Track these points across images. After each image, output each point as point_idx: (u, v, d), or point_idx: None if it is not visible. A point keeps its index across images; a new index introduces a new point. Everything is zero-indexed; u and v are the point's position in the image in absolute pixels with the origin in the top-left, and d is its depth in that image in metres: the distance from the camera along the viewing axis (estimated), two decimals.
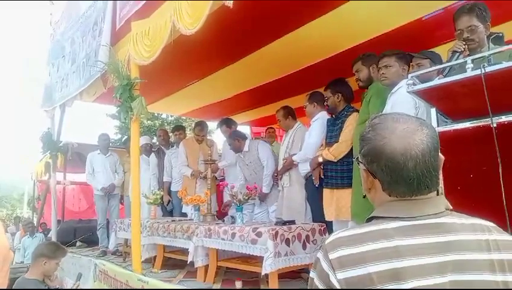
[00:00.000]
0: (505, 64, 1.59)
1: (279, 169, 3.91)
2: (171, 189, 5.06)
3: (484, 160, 1.72)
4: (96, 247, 5.27)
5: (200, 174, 4.46)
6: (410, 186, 0.83)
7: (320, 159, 3.17)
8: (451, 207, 0.87)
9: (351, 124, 3.01)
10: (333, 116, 3.35)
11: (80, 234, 5.86)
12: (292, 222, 2.94)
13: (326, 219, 3.10)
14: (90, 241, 5.64)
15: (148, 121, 15.28)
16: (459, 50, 1.95)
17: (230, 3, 2.53)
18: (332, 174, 3.09)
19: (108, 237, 5.00)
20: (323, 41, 3.81)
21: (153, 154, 5.39)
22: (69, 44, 5.13)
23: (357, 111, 3.11)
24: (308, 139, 3.57)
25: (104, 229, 5.16)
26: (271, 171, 4.04)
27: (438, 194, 0.90)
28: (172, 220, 3.84)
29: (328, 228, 3.05)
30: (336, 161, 3.04)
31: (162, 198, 4.58)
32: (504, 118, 1.72)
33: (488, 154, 1.69)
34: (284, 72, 4.68)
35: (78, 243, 5.73)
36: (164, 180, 5.13)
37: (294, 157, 3.62)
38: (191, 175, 4.62)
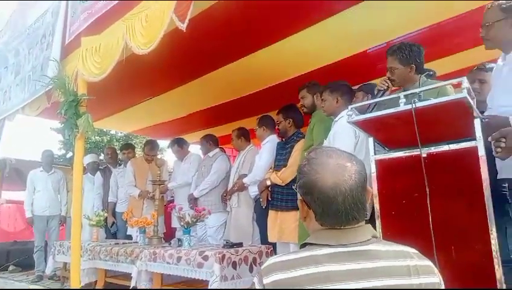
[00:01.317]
0: (433, 101, 1.75)
1: (228, 189, 3.94)
2: (116, 210, 4.87)
3: (416, 187, 1.85)
4: (31, 271, 4.91)
5: (148, 195, 4.35)
6: (339, 219, 0.90)
7: (268, 182, 3.24)
8: (377, 235, 0.95)
9: (298, 149, 3.12)
10: (283, 140, 3.45)
11: (14, 257, 5.44)
12: (240, 245, 2.95)
13: (269, 240, 3.16)
14: (26, 265, 5.26)
15: (96, 137, 14.71)
16: (382, 88, 2.16)
17: (183, 27, 2.57)
18: (278, 196, 3.17)
19: (45, 261, 4.68)
20: (275, 67, 3.94)
21: (98, 173, 5.18)
22: (13, 55, 4.87)
23: None
24: (258, 162, 3.64)
25: (42, 252, 4.84)
26: (211, 182, 4.05)
27: (366, 222, 0.98)
28: (116, 243, 3.69)
29: (275, 249, 3.10)
30: (283, 184, 3.12)
31: (105, 220, 4.38)
32: (433, 149, 1.88)
33: (419, 182, 1.83)
34: (237, 94, 4.75)
35: (11, 267, 5.31)
36: (109, 200, 4.93)
37: (244, 180, 3.67)
38: (138, 196, 4.50)
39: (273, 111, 3.81)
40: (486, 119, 1.81)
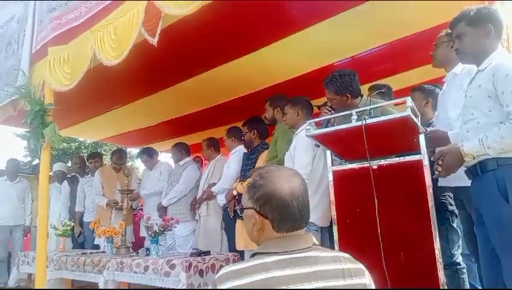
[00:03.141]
0: (381, 118, 1.92)
1: (197, 198, 4.00)
2: (84, 220, 4.80)
3: (368, 196, 2.00)
4: None
5: (115, 205, 4.34)
6: (295, 221, 1.04)
7: (235, 192, 3.33)
8: (317, 243, 1.07)
9: (262, 160, 3.24)
10: (249, 150, 3.56)
11: None
12: (207, 253, 3.01)
13: (237, 248, 3.24)
14: None
15: (64, 144, 14.33)
16: (327, 115, 2.35)
17: (154, 42, 2.64)
18: None
19: (9, 272, 4.56)
20: (245, 79, 4.04)
21: (65, 182, 5.10)
22: None
23: None
24: (226, 171, 3.73)
25: (4, 263, 4.72)
26: (179, 191, 4.09)
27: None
28: (83, 253, 3.66)
29: (242, 257, 3.18)
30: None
31: (72, 229, 4.33)
32: (383, 162, 2.04)
33: (371, 192, 1.98)
34: (208, 104, 4.82)
35: None
36: (76, 210, 4.86)
37: (213, 189, 3.75)
38: (106, 205, 4.47)
39: (241, 121, 3.91)
40: (429, 134, 1.99)
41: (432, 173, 1.86)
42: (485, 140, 1.61)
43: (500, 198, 1.58)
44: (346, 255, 1.06)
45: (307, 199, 1.06)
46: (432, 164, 1.84)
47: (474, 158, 1.67)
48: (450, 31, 2.12)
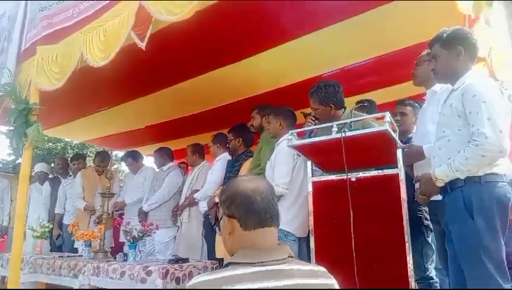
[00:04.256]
0: (360, 131, 1.95)
1: (180, 204, 3.97)
2: (64, 222, 4.71)
3: (345, 208, 2.02)
4: None
5: (91, 212, 4.25)
6: (260, 216, 1.06)
7: (217, 199, 3.31)
8: (293, 254, 1.08)
9: (246, 168, 3.25)
10: (233, 157, 3.57)
11: None
12: (185, 260, 2.98)
13: (216, 256, 3.22)
14: None
15: (50, 144, 14.14)
16: (310, 126, 2.38)
17: (143, 46, 2.65)
18: None
19: None
20: (231, 86, 4.06)
21: (47, 182, 5.02)
22: None
23: None
24: (209, 178, 3.72)
25: None
26: (161, 197, 4.06)
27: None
28: (60, 256, 3.60)
29: (221, 265, 3.16)
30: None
31: (51, 231, 4.25)
32: (361, 174, 2.07)
33: (349, 203, 2.01)
34: (194, 110, 4.84)
35: None
36: (56, 211, 4.77)
37: (195, 195, 3.73)
38: (84, 209, 4.41)
39: (227, 128, 3.92)
40: (405, 149, 2.03)
41: (407, 187, 1.91)
42: (452, 164, 1.67)
43: (466, 214, 1.63)
44: (322, 269, 1.08)
45: (272, 197, 1.11)
46: (408, 180, 1.88)
47: (445, 182, 1.71)
48: (430, 51, 2.19)
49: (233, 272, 0.98)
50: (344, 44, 3.35)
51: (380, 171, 2.03)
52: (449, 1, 2.24)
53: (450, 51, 1.85)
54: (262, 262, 1.00)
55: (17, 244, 3.22)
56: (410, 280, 1.85)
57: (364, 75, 3.85)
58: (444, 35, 1.88)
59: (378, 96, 3.72)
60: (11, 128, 3.51)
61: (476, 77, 1.80)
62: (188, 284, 1.01)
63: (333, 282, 1.06)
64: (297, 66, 3.73)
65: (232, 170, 3.41)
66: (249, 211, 1.06)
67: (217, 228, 3.32)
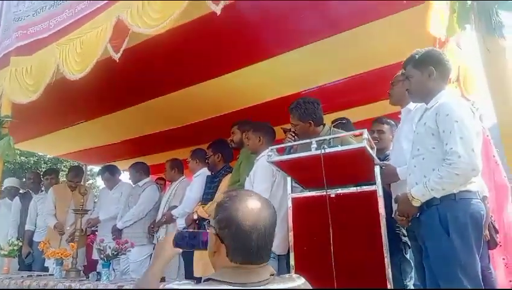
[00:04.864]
0: (339, 148, 1.98)
1: (157, 220, 3.88)
2: (34, 239, 4.50)
3: (325, 225, 2.02)
4: None
5: (60, 232, 4.09)
6: (250, 256, 0.99)
7: (195, 216, 3.27)
8: (275, 272, 1.05)
9: (225, 184, 3.22)
10: (212, 173, 3.54)
11: None
12: (162, 279, 2.90)
13: (194, 275, 3.15)
14: None
15: (22, 158, 13.67)
16: (290, 142, 2.39)
17: (117, 57, 2.62)
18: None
19: None
20: (210, 102, 4.06)
21: (17, 198, 4.82)
22: None
23: None
24: (188, 194, 3.66)
25: None
26: (136, 213, 3.94)
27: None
28: (29, 276, 3.43)
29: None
30: (210, 218, 3.17)
31: (20, 249, 4.06)
32: (340, 190, 2.08)
33: (328, 220, 2.01)
34: (172, 124, 4.79)
35: None
36: (26, 228, 4.56)
37: (173, 212, 3.66)
38: (53, 227, 4.24)
39: (207, 143, 3.89)
40: (383, 167, 2.06)
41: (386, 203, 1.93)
42: (428, 183, 1.71)
43: (442, 231, 1.66)
44: (301, 281, 1.05)
45: (270, 235, 1.01)
46: (385, 196, 1.91)
47: (421, 202, 1.74)
48: (403, 72, 2.26)
49: (211, 287, 0.96)
50: (322, 62, 3.42)
51: (358, 187, 2.05)
52: (421, 23, 2.33)
53: (422, 71, 1.91)
54: (244, 283, 0.97)
55: None
56: None
57: (341, 93, 3.93)
58: (416, 56, 1.95)
59: (354, 114, 3.80)
60: None
61: (449, 97, 1.86)
62: (163, 286, 0.98)
63: None
64: (276, 83, 3.77)
65: (211, 185, 3.37)
66: (240, 245, 0.99)
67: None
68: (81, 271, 3.49)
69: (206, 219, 3.14)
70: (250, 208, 1.01)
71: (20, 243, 4.03)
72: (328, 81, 3.82)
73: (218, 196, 3.17)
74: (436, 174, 1.69)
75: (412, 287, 2.39)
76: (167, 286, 1.01)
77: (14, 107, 3.36)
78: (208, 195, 3.34)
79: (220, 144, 3.53)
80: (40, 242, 4.05)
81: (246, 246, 0.98)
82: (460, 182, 1.67)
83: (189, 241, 1.29)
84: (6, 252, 3.76)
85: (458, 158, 1.63)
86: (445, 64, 1.92)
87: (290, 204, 2.20)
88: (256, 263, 1.00)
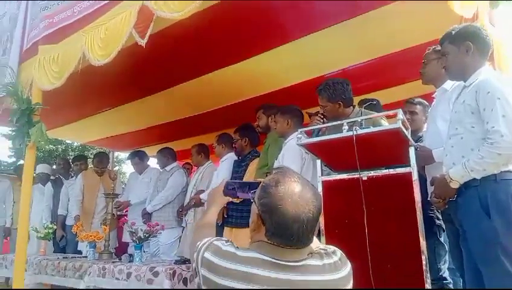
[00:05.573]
0: (372, 129, 1.92)
1: (185, 204, 3.94)
2: (66, 223, 4.68)
3: (357, 207, 1.99)
4: None
5: (81, 224, 4.15)
6: (289, 241, 0.98)
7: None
8: (313, 251, 1.04)
9: (253, 168, 3.22)
10: (239, 158, 3.54)
11: None
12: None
13: None
14: None
15: (51, 146, 14.11)
16: (318, 124, 2.34)
17: (143, 43, 2.62)
18: (233, 213, 3.23)
19: None
20: (235, 86, 4.03)
21: (49, 183, 4.99)
22: None
23: None
24: (215, 179, 3.68)
25: None
26: (165, 197, 4.01)
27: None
28: (64, 257, 3.57)
29: None
30: (238, 201, 3.18)
31: (54, 233, 4.22)
32: (373, 173, 2.04)
33: (360, 203, 1.97)
34: (197, 110, 4.80)
35: None
36: (59, 213, 4.73)
37: (201, 196, 3.69)
38: (74, 218, 4.40)
39: (232, 128, 3.90)
40: (418, 149, 2.00)
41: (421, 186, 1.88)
42: (467, 163, 1.64)
43: (482, 213, 1.60)
44: (336, 257, 1.05)
45: (312, 227, 0.99)
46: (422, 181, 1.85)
47: (460, 183, 1.68)
48: (437, 48, 2.16)
49: (251, 254, 0.99)
50: (345, 44, 3.33)
51: (391, 170, 1.99)
52: (448, 1, 2.21)
53: (458, 47, 1.82)
54: (278, 259, 0.98)
55: (21, 245, 3.19)
56: (425, 280, 1.82)
57: (365, 75, 3.82)
58: (453, 32, 1.86)
59: (378, 97, 3.69)
60: (14, 128, 3.48)
61: (490, 73, 1.77)
62: (211, 242, 1.04)
63: (348, 269, 1.06)
64: (300, 66, 3.70)
65: (239, 170, 3.37)
66: (280, 232, 0.98)
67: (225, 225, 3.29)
68: (113, 253, 3.60)
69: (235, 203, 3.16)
70: (295, 199, 0.98)
71: (55, 227, 4.18)
72: (351, 64, 3.72)
73: (247, 179, 3.17)
74: (477, 154, 1.62)
75: (446, 271, 2.34)
76: (215, 242, 1.04)
77: (43, 95, 3.43)
78: (235, 179, 3.34)
79: (246, 128, 3.52)
80: (72, 226, 4.22)
81: (285, 234, 0.98)
82: (502, 162, 1.60)
83: (237, 191, 1.39)
84: (42, 235, 3.92)
85: (500, 137, 1.56)
86: (484, 39, 1.82)
87: (320, 187, 2.17)
88: (294, 247, 1.00)
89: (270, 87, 4.06)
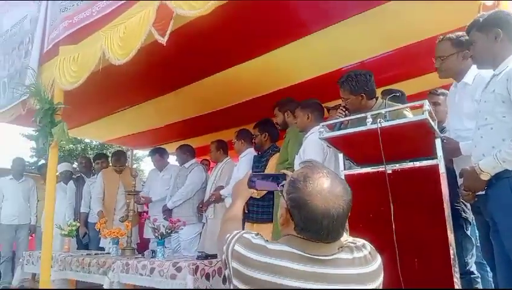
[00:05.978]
0: (397, 121, 1.88)
1: (205, 200, 3.96)
2: (89, 220, 4.77)
3: (382, 201, 1.96)
4: None
5: (105, 221, 4.13)
6: (319, 236, 0.97)
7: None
8: (343, 245, 1.03)
9: (273, 163, 3.21)
10: (259, 153, 3.53)
11: None
12: (214, 256, 2.97)
13: None
14: None
15: (70, 145, 14.40)
16: (340, 117, 2.30)
17: (163, 41, 2.62)
18: (254, 209, 3.23)
19: (12, 272, 4.53)
20: (253, 82, 4.02)
21: (71, 182, 5.09)
22: None
23: None
24: (236, 174, 3.70)
25: (9, 263, 4.70)
26: (185, 194, 4.05)
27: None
28: (88, 254, 3.64)
29: None
30: (258, 197, 3.19)
31: (77, 230, 4.31)
32: (398, 166, 2.00)
33: (385, 197, 1.94)
34: (215, 106, 4.81)
35: None
36: (81, 211, 4.83)
37: (221, 192, 3.72)
38: (97, 213, 4.47)
39: (250, 124, 3.89)
40: (444, 140, 1.95)
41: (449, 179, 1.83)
42: (499, 154, 1.58)
43: None
44: (366, 251, 1.04)
45: (342, 222, 0.98)
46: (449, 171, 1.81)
47: (491, 175, 1.63)
48: (456, 42, 2.09)
49: (282, 247, 0.98)
50: (363, 36, 3.27)
51: (417, 162, 1.95)
52: None
53: (487, 34, 1.76)
54: (308, 253, 0.97)
55: (47, 242, 3.27)
56: (453, 274, 1.78)
57: (384, 67, 3.75)
58: (481, 19, 1.79)
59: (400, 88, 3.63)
60: (37, 128, 3.56)
61: None
62: (242, 235, 1.03)
63: (378, 262, 1.04)
64: (316, 60, 3.65)
65: (259, 165, 3.37)
66: (309, 228, 0.97)
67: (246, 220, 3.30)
68: (135, 249, 3.65)
69: (255, 198, 3.17)
70: (324, 194, 0.96)
71: (78, 224, 4.27)
72: (370, 56, 3.65)
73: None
74: (509, 144, 1.56)
75: (473, 265, 2.29)
76: (244, 235, 1.04)
77: (64, 95, 3.49)
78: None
79: (266, 123, 3.51)
80: (95, 223, 4.29)
81: (315, 230, 0.97)
82: None
83: (262, 183, 1.41)
84: (66, 232, 4.00)
85: None
86: None
87: None
88: (325, 241, 0.99)
89: (288, 82, 4.03)
